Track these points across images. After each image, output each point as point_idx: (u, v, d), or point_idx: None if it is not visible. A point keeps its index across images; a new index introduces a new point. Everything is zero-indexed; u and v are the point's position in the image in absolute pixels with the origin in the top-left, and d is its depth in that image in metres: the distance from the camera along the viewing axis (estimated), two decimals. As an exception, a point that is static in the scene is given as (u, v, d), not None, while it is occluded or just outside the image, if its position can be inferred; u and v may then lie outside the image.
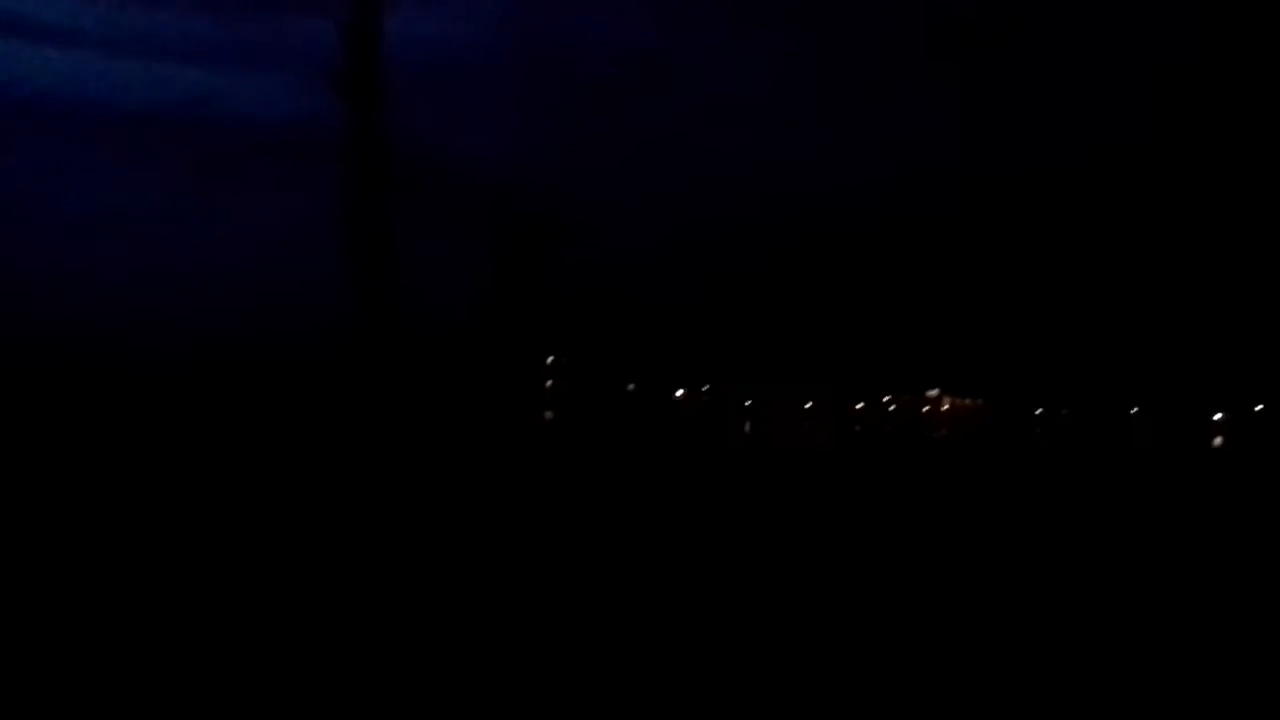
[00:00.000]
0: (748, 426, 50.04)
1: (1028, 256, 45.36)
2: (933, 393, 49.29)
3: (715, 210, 47.45)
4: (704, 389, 49.35)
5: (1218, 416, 42.33)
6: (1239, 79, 43.55)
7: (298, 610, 13.45)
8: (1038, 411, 46.06)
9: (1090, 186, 44.74)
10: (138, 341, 39.02)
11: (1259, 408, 41.61)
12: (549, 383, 45.54)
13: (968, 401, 48.68)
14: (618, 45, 50.26)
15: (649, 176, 47.88)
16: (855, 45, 49.01)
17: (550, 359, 45.44)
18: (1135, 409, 43.94)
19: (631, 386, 47.63)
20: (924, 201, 46.66)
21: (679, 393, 48.66)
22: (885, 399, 49.28)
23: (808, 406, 49.67)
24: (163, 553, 17.38)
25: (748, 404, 49.94)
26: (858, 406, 48.96)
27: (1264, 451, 40.12)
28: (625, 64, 47.95)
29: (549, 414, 45.19)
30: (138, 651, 11.51)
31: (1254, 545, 21.01)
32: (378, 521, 20.53)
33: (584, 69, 48.01)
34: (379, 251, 34.83)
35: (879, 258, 47.07)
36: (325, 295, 35.50)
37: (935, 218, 45.80)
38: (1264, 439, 41.02)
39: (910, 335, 47.18)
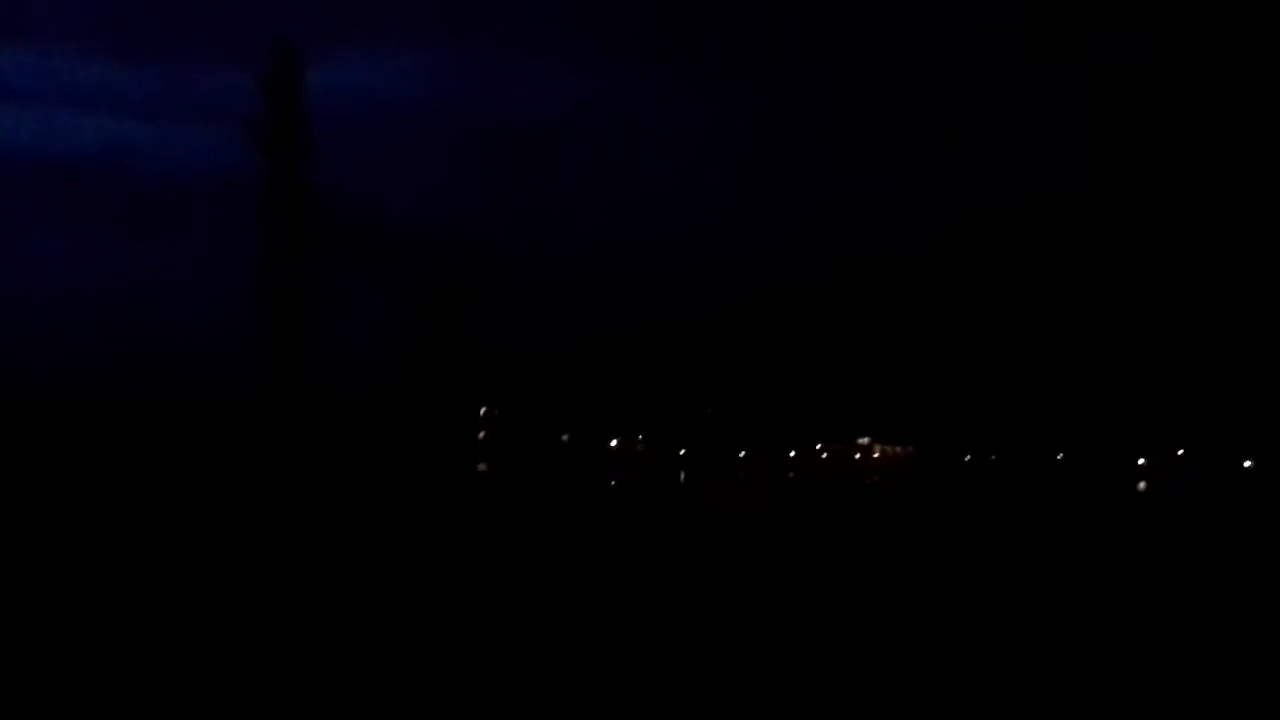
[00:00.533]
0: (683, 475, 50.18)
1: (958, 306, 46.23)
2: (863, 440, 49.83)
3: (645, 261, 47.84)
4: (639, 438, 49.47)
5: (1141, 461, 43.19)
6: (1135, 151, 45.01)
7: (201, 662, 13.20)
8: (966, 458, 46.71)
9: (1016, 241, 45.78)
10: (51, 386, 38.36)
11: (1180, 452, 42.54)
12: (482, 434, 45.28)
13: (898, 449, 49.25)
14: (545, 98, 50.74)
15: (578, 226, 48.20)
16: (781, 101, 49.89)
17: (483, 410, 45.23)
18: (1061, 454, 44.71)
19: (566, 437, 47.57)
20: (854, 254, 47.45)
21: (613, 443, 48.71)
22: (818, 446, 49.73)
23: (741, 455, 50.00)
24: (73, 593, 17.02)
25: (682, 452, 50.11)
26: (790, 454, 49.35)
27: (1186, 495, 40.95)
28: (552, 117, 48.36)
29: (482, 466, 44.90)
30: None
31: (1177, 585, 21.41)
32: (292, 578, 20.20)
33: (511, 121, 48.34)
34: (297, 302, 34.65)
35: (810, 308, 47.70)
36: (244, 346, 35.20)
37: (867, 269, 46.57)
38: (1186, 483, 41.86)
39: (841, 384, 47.74)
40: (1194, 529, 33.09)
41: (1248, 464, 40.88)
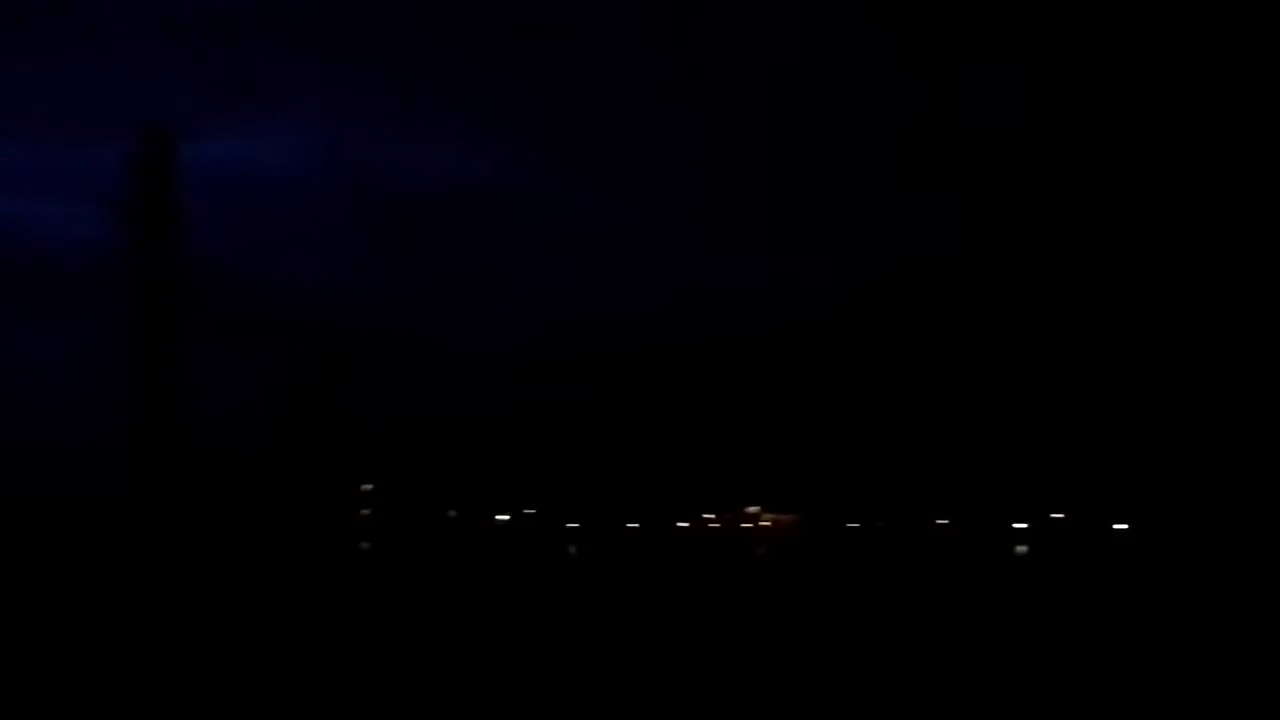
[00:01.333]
0: (573, 549, 49.73)
1: (844, 373, 46.89)
2: (753, 509, 50.00)
3: (528, 333, 47.79)
4: (529, 513, 48.96)
5: (1020, 525, 44.02)
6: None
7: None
8: (852, 524, 47.17)
9: (897, 307, 46.72)
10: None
11: (1058, 516, 43.47)
12: (365, 512, 44.41)
13: (786, 517, 49.50)
14: (425, 174, 50.75)
15: (459, 300, 48.02)
16: (668, 176, 50.56)
17: (365, 487, 44.39)
18: (942, 520, 45.39)
19: (454, 513, 46.90)
20: (738, 324, 47.98)
21: (502, 518, 48.15)
22: (707, 516, 49.75)
23: (630, 527, 49.73)
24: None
25: (573, 526, 49.70)
26: (680, 525, 49.27)
27: (1063, 557, 41.86)
28: (439, 192, 48.32)
29: (366, 545, 43.98)
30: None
31: (1054, 645, 21.80)
32: (164, 667, 19.46)
33: (398, 196, 48.20)
34: (166, 380, 33.94)
35: (695, 378, 48.00)
36: (113, 424, 34.27)
37: (750, 339, 47.06)
38: (1063, 545, 42.77)
39: (730, 453, 47.96)
40: (1072, 591, 33.78)
41: (1121, 527, 41.97)
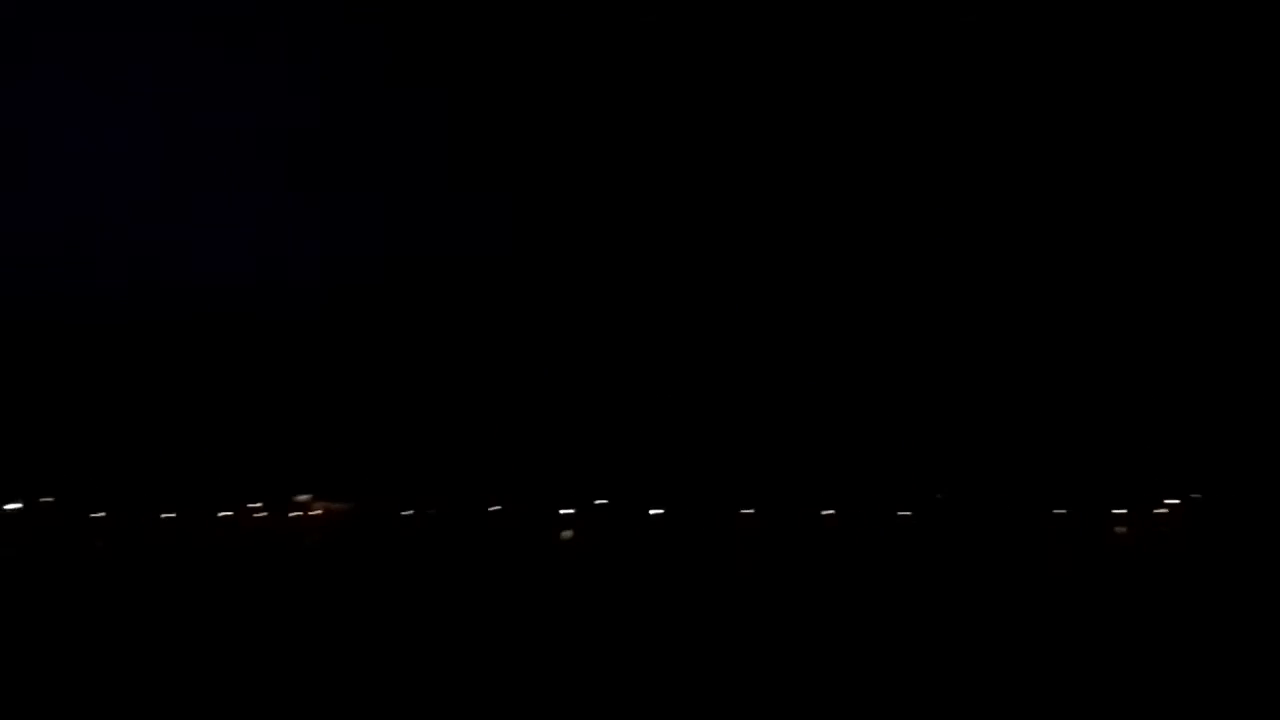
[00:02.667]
0: (101, 544, 45.72)
1: (403, 355, 45.94)
2: (304, 498, 48.00)
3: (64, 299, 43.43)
4: (45, 502, 44.47)
5: (566, 511, 44.87)
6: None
7: None
8: (405, 512, 46.39)
9: (459, 291, 46.26)
10: None
11: (600, 503, 44.56)
12: None
13: (339, 506, 47.91)
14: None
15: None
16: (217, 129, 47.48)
17: None
18: (495, 506, 45.54)
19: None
20: (294, 304, 45.83)
21: (13, 507, 43.37)
22: (253, 506, 47.23)
23: (169, 517, 46.37)
24: None
25: (99, 515, 45.65)
26: (220, 515, 46.46)
27: (606, 542, 43.06)
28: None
29: None
30: None
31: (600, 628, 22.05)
32: None
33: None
34: None
35: (244, 358, 45.41)
36: None
37: (295, 319, 45.04)
38: (606, 531, 43.96)
39: (278, 439, 45.85)
40: (615, 574, 34.75)
41: (655, 512, 43.63)
